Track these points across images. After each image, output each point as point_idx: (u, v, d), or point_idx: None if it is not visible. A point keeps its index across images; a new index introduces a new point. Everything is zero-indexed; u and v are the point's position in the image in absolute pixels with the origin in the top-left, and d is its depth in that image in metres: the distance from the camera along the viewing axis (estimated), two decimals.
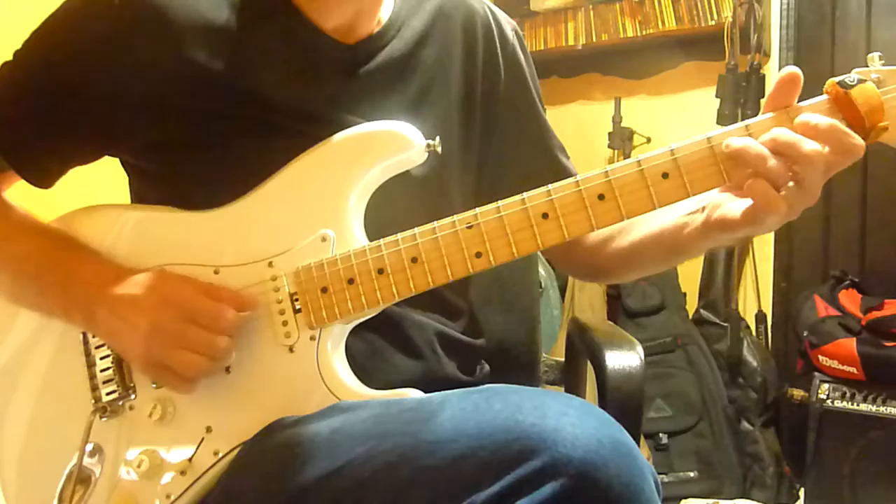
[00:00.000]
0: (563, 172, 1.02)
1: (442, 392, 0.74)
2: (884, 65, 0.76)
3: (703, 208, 0.81)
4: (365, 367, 0.82)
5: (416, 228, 0.79)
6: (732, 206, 0.77)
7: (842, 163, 0.73)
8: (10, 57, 0.88)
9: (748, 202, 0.74)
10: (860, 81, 0.74)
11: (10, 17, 1.45)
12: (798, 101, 0.76)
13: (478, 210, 0.78)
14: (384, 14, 0.92)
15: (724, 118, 2.37)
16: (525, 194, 0.77)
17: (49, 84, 0.85)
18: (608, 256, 0.99)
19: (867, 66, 0.76)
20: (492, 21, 1.01)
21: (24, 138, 0.87)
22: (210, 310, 0.77)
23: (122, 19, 0.83)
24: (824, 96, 0.76)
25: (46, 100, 0.85)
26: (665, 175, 0.75)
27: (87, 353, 0.85)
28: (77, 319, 0.84)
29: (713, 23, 2.38)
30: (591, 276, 1.08)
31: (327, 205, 0.82)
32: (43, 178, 0.90)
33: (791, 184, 0.73)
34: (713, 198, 0.80)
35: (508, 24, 1.04)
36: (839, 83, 0.74)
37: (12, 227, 0.90)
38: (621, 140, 2.60)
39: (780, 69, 2.32)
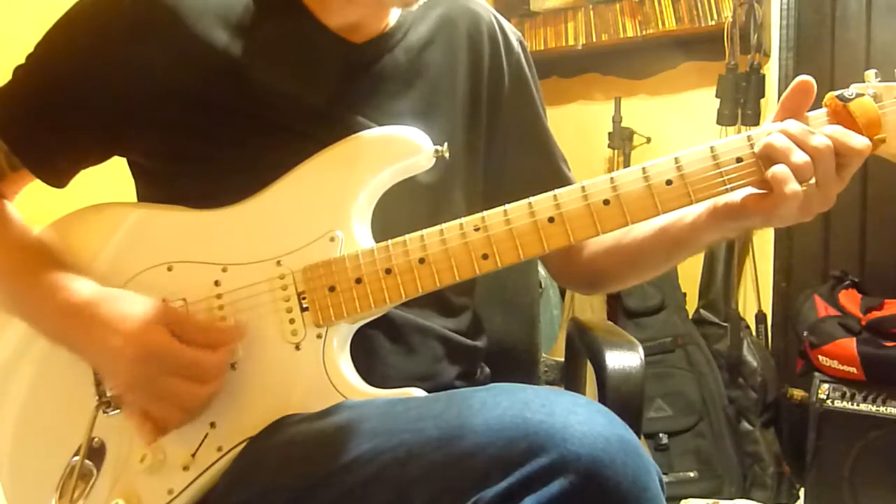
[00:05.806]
0: (564, 182, 1.02)
1: (447, 391, 0.74)
2: (880, 81, 0.78)
3: None
4: (365, 368, 0.82)
5: (423, 230, 0.80)
6: (741, 192, 0.78)
7: (850, 163, 0.75)
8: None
9: (756, 191, 0.76)
10: (858, 95, 0.77)
11: (10, 17, 1.45)
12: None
13: (485, 213, 0.79)
14: (392, 17, 0.93)
15: (723, 118, 2.37)
16: (532, 198, 0.79)
17: (62, 82, 0.86)
18: (609, 261, 0.99)
19: (864, 82, 0.79)
20: (497, 29, 1.02)
21: (37, 136, 0.87)
22: (194, 362, 0.76)
23: (134, 17, 0.83)
24: (823, 109, 0.78)
25: (59, 97, 0.86)
26: (669, 182, 0.77)
27: None
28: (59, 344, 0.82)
29: (713, 23, 2.38)
30: (591, 285, 1.09)
31: (336, 206, 0.83)
32: (56, 176, 0.90)
33: (813, 180, 0.74)
34: None
35: (514, 33, 1.05)
36: (838, 97, 0.77)
37: None
38: (621, 140, 2.60)
39: (779, 69, 2.36)
